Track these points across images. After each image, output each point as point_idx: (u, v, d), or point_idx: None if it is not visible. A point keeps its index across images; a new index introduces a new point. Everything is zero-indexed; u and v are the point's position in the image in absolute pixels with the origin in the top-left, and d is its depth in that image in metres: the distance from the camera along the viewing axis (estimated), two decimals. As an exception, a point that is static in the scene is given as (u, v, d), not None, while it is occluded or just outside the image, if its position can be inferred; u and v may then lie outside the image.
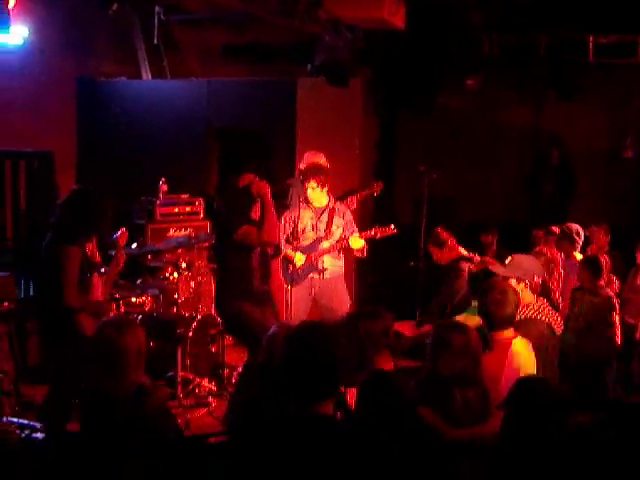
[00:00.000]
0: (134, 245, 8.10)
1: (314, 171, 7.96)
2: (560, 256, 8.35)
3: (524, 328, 5.53)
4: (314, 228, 7.95)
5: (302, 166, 8.54)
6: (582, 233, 8.53)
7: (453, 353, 4.61)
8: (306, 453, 3.21)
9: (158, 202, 9.37)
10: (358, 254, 8.22)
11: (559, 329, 6.13)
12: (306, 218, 7.93)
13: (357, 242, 7.90)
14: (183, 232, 9.07)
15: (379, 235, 8.00)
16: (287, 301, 8.01)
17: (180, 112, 10.45)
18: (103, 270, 6.36)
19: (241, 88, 10.44)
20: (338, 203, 8.15)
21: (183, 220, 9.39)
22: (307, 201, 7.96)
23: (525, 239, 9.80)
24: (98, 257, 7.34)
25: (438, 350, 4.67)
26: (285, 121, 10.13)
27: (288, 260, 7.96)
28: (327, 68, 9.44)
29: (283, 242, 7.94)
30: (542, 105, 11.48)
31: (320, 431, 3.27)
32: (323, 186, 7.90)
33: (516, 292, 5.53)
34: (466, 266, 7.90)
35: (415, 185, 9.77)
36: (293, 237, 7.95)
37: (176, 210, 9.46)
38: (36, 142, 9.55)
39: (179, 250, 8.04)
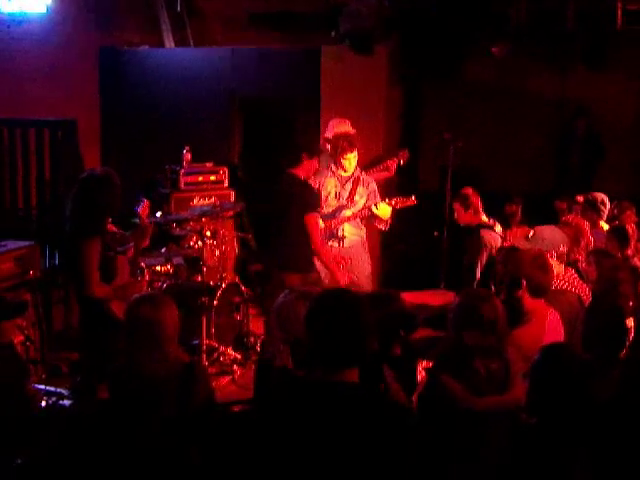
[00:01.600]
0: (158, 214, 8.10)
1: (350, 142, 7.88)
2: (586, 226, 8.26)
3: (555, 299, 5.49)
4: (337, 196, 7.90)
5: (330, 135, 8.49)
6: (607, 202, 8.44)
7: (481, 324, 4.52)
8: (330, 419, 3.19)
9: (182, 171, 9.35)
10: (381, 225, 8.14)
11: (587, 300, 6.09)
12: (330, 186, 7.89)
13: (384, 210, 7.83)
14: (207, 201, 9.03)
15: (399, 206, 7.95)
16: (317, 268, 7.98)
17: (204, 81, 10.41)
18: (125, 249, 6.29)
19: (265, 56, 10.38)
20: (363, 173, 8.09)
21: (207, 189, 9.35)
22: (333, 169, 7.91)
23: (550, 210, 9.73)
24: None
25: (465, 320, 4.58)
26: (309, 89, 10.09)
27: None
28: (352, 35, 9.37)
29: None
30: (569, 74, 11.32)
31: (345, 397, 3.25)
32: (355, 155, 7.86)
33: (549, 260, 5.49)
34: (487, 234, 7.83)
35: (440, 153, 9.70)
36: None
37: (200, 179, 9.43)
38: (60, 111, 9.53)
39: (203, 219, 8.01)
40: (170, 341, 4.22)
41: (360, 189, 7.93)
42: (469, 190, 8.11)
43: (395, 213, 8.09)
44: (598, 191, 8.75)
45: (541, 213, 9.44)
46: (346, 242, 7.92)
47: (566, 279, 6.02)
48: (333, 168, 7.90)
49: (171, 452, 4.01)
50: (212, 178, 9.47)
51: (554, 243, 6.03)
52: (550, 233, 6.22)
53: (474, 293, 4.85)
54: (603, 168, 11.51)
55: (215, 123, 10.36)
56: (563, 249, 6.09)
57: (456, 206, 8.15)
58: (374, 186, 8.13)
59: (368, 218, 8.02)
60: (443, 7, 9.78)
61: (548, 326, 5.11)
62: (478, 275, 7.68)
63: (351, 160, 7.82)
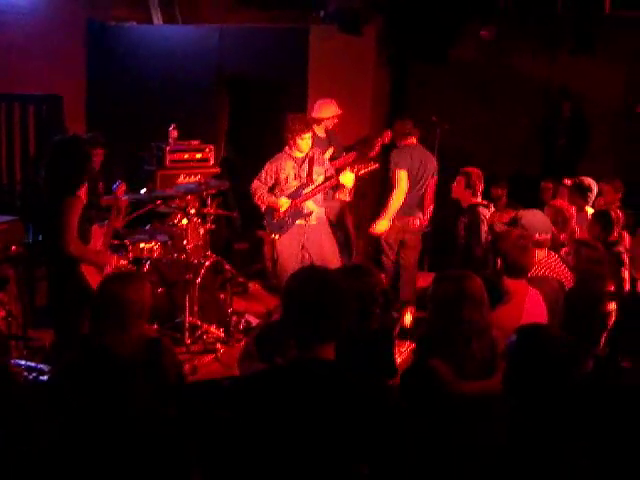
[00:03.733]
0: (143, 191, 8.08)
1: (306, 123, 8.02)
2: (572, 210, 8.28)
3: (537, 285, 5.49)
4: (296, 176, 7.97)
5: (315, 115, 8.55)
6: (594, 187, 8.44)
7: (473, 302, 4.49)
8: (307, 397, 3.22)
9: (168, 148, 9.34)
10: (345, 196, 8.25)
11: (569, 284, 6.09)
12: (288, 168, 7.96)
13: (347, 177, 7.87)
14: (193, 178, 9.02)
15: (362, 171, 7.98)
16: (275, 252, 8.07)
17: (191, 58, 10.37)
18: (104, 222, 6.35)
19: (253, 35, 10.35)
20: (316, 150, 8.15)
21: (193, 167, 9.34)
22: (288, 152, 7.97)
23: (537, 192, 9.76)
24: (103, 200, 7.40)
25: (457, 301, 4.50)
26: (297, 69, 10.07)
27: (272, 208, 7.99)
28: (339, 15, 9.35)
29: (263, 192, 7.95)
30: (557, 57, 11.32)
31: (320, 374, 3.27)
32: (310, 136, 7.98)
33: (531, 243, 5.49)
34: (484, 211, 7.92)
35: (427, 136, 9.70)
36: (277, 187, 8.01)
37: (186, 157, 9.43)
38: (46, 86, 9.50)
39: (188, 196, 7.99)
40: (136, 319, 4.22)
41: (316, 168, 8.03)
42: (476, 171, 8.14)
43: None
44: (584, 173, 8.77)
45: (528, 195, 9.47)
46: (312, 219, 8.01)
47: (547, 265, 6.01)
48: (288, 150, 7.96)
49: (146, 429, 4.01)
50: (198, 156, 9.46)
51: (534, 228, 6.01)
52: (531, 219, 6.19)
53: (457, 273, 4.81)
54: (589, 150, 11.54)
55: (202, 101, 10.32)
56: (544, 235, 6.07)
57: (459, 179, 8.17)
58: (328, 163, 8.30)
59: (332, 189, 8.10)
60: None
61: (528, 307, 5.11)
62: (479, 252, 7.73)
63: (307, 140, 7.90)
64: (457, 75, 11.43)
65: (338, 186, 7.98)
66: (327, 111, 8.94)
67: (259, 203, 8.06)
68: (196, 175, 9.07)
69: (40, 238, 8.19)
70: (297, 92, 10.00)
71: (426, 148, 8.73)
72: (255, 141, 10.06)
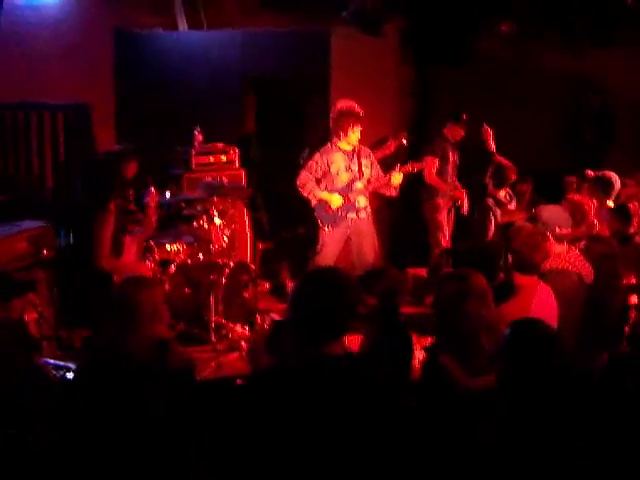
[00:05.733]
0: (167, 194, 8.25)
1: (357, 116, 8.09)
2: (592, 204, 8.28)
3: (554, 279, 5.56)
4: (347, 169, 8.09)
5: (340, 108, 8.61)
6: (617, 181, 8.41)
7: (478, 297, 4.56)
8: (316, 392, 3.33)
9: (194, 152, 9.50)
10: (393, 193, 8.42)
11: (589, 279, 6.13)
12: (339, 161, 8.07)
13: (397, 177, 8.09)
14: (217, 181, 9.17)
15: (416, 169, 8.27)
16: (321, 242, 8.26)
17: (216, 63, 10.53)
18: (135, 230, 6.56)
19: (276, 38, 10.49)
20: (361, 145, 8.31)
21: (218, 169, 9.49)
22: (337, 144, 8.07)
23: (563, 188, 9.77)
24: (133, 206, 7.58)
25: (462, 297, 4.55)
26: (320, 71, 10.21)
27: (324, 203, 8.15)
28: (360, 16, 9.46)
29: (313, 186, 8.07)
30: (581, 51, 11.31)
31: (329, 370, 3.39)
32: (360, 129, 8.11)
33: (545, 239, 5.57)
34: (491, 203, 8.04)
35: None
36: (326, 179, 8.16)
37: (211, 159, 9.57)
38: (75, 94, 9.70)
39: (214, 198, 8.15)
40: (148, 321, 4.37)
41: (364, 160, 8.22)
42: (508, 165, 8.34)
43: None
44: (612, 168, 8.75)
45: (554, 191, 9.49)
46: (362, 213, 8.22)
47: (567, 259, 6.03)
48: (337, 143, 8.07)
49: (151, 428, 4.15)
50: (223, 158, 9.59)
51: (552, 223, 6.07)
52: (548, 214, 6.25)
53: (462, 271, 4.89)
54: (617, 144, 11.52)
55: (227, 105, 10.46)
56: (563, 230, 6.12)
57: (493, 177, 8.37)
58: (373, 156, 8.46)
59: (380, 187, 8.31)
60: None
61: (536, 302, 5.16)
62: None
63: (357, 133, 8.05)
64: (481, 72, 11.46)
65: (387, 184, 8.15)
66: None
67: (309, 197, 8.18)
68: (221, 177, 9.21)
69: (72, 242, 8.48)
70: (321, 93, 10.13)
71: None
72: (281, 142, 10.21)
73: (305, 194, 8.17)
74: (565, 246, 6.13)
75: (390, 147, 9.19)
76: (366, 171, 8.18)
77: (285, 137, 9.93)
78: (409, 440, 3.51)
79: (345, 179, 8.13)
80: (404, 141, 9.08)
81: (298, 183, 8.17)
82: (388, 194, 8.55)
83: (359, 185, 8.15)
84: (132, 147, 8.35)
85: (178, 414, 4.22)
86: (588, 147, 11.74)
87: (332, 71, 10.15)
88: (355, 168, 8.15)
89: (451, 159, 9.22)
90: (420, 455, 3.87)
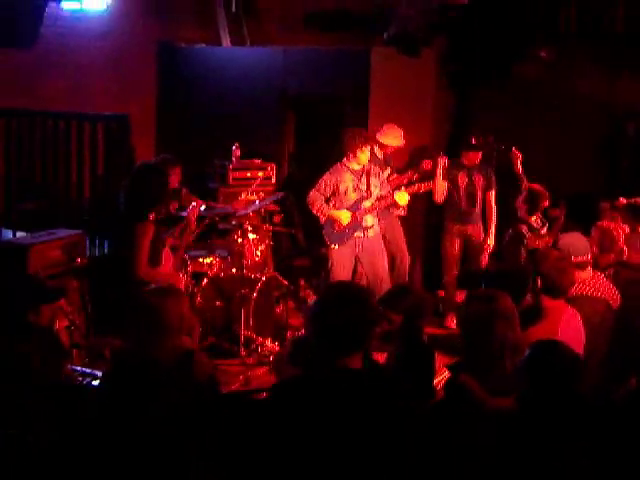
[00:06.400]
0: (203, 207, 8.34)
1: (366, 137, 8.29)
2: (623, 230, 8.25)
3: (579, 304, 5.55)
4: (355, 189, 8.20)
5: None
6: (651, 209, 8.39)
7: (505, 319, 4.56)
8: (334, 406, 3.38)
9: (231, 166, 9.61)
10: (401, 212, 8.77)
11: (616, 304, 6.11)
12: (348, 180, 8.19)
13: (403, 197, 8.17)
14: (254, 196, 9.26)
15: (422, 189, 8.32)
16: (330, 261, 8.35)
17: (257, 79, 10.64)
18: (173, 243, 6.65)
19: (317, 56, 10.57)
20: (372, 165, 8.40)
21: (255, 185, 9.59)
22: (346, 164, 8.20)
23: (597, 213, 9.73)
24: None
25: (490, 318, 4.55)
26: (359, 89, 10.25)
27: (333, 220, 8.22)
28: (399, 38, 9.52)
29: (322, 204, 8.19)
30: (619, 78, 11.28)
31: (347, 384, 3.44)
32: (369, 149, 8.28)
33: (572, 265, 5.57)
34: (525, 230, 8.04)
35: (488, 157, 9.79)
36: (335, 198, 8.26)
37: (248, 175, 9.69)
38: (117, 105, 9.85)
39: (249, 213, 8.25)
40: (173, 331, 4.42)
41: (373, 180, 8.30)
42: (541, 191, 8.33)
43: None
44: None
45: (587, 216, 9.45)
46: (370, 232, 8.30)
47: (593, 285, 6.02)
48: (347, 163, 8.18)
49: (172, 437, 4.20)
50: (260, 174, 9.69)
51: (570, 250, 6.06)
52: (569, 241, 6.24)
53: (489, 292, 4.91)
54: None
55: (267, 121, 10.57)
56: (581, 257, 6.10)
57: (523, 204, 8.38)
58: (384, 176, 8.57)
59: (388, 206, 8.42)
60: (491, 11, 9.85)
61: (563, 326, 5.15)
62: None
63: (366, 153, 8.18)
64: (519, 96, 11.46)
65: (393, 204, 8.24)
66: (392, 140, 9.15)
67: (318, 214, 8.29)
68: (258, 193, 9.32)
69: (108, 251, 8.60)
70: (359, 112, 10.18)
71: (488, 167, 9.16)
72: (318, 159, 10.26)
73: (314, 211, 8.31)
74: (590, 272, 6.12)
75: (421, 170, 9.18)
76: (375, 191, 8.26)
77: (323, 155, 9.96)
78: (426, 456, 3.53)
79: (353, 198, 8.23)
80: (444, 162, 8.90)
81: (308, 201, 8.31)
82: (397, 213, 8.79)
83: (367, 204, 8.23)
84: (172, 158, 8.43)
85: (199, 425, 4.27)
86: (623, 173, 11.68)
87: (371, 90, 10.19)
88: (363, 187, 8.24)
89: (462, 185, 9.11)
90: (437, 471, 3.89)
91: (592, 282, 6.05)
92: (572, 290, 5.69)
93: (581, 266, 5.98)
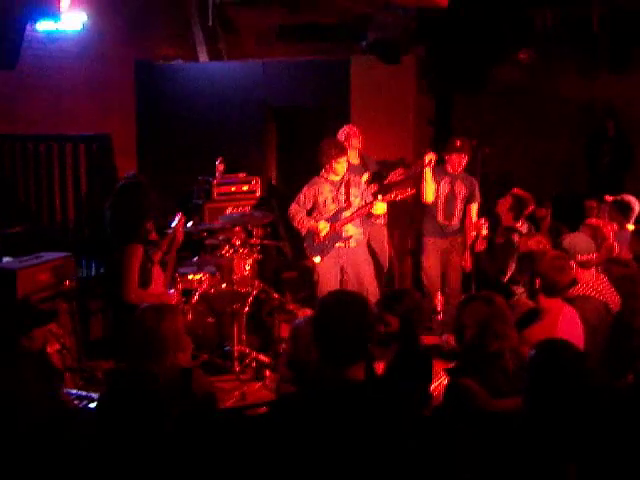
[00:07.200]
0: (190, 224, 8.30)
1: (341, 147, 8.20)
2: (612, 228, 8.27)
3: (580, 304, 5.55)
4: (334, 200, 8.17)
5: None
6: (637, 205, 8.40)
7: (503, 319, 4.59)
8: (337, 416, 3.34)
9: (215, 182, 9.57)
10: (380, 221, 8.70)
11: (615, 307, 6.09)
12: (326, 191, 8.15)
13: (380, 207, 8.11)
14: (240, 210, 9.24)
15: (400, 197, 8.20)
16: (316, 275, 8.30)
17: (236, 93, 10.66)
18: (161, 257, 6.59)
19: (296, 68, 10.60)
20: (351, 175, 8.32)
21: (240, 199, 9.56)
22: (324, 176, 8.18)
23: (582, 212, 9.75)
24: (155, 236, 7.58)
25: (489, 318, 4.58)
26: (339, 99, 10.27)
27: (312, 232, 8.18)
28: (379, 46, 9.53)
29: (303, 217, 8.17)
30: (597, 77, 11.32)
31: (349, 394, 3.40)
32: (345, 160, 8.18)
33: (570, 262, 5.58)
34: (516, 237, 7.95)
35: (470, 161, 9.77)
36: (315, 210, 8.22)
37: (233, 189, 9.66)
38: (97, 125, 9.80)
39: (236, 228, 8.21)
40: (169, 350, 4.38)
41: (353, 190, 8.23)
42: (525, 197, 8.19)
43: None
44: (630, 192, 8.74)
45: (573, 215, 9.47)
46: (352, 242, 8.23)
47: (594, 286, 6.02)
48: (325, 175, 8.15)
49: (172, 454, 4.15)
50: (244, 188, 9.67)
51: (573, 251, 6.05)
52: (573, 240, 6.24)
53: (486, 295, 4.90)
54: (634, 168, 11.51)
55: (249, 134, 10.58)
56: (586, 256, 6.09)
57: (507, 198, 8.21)
58: (364, 185, 8.50)
59: (367, 216, 8.28)
60: (468, 16, 9.86)
61: (562, 324, 5.17)
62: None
63: (343, 164, 8.11)
64: (499, 98, 11.50)
65: (371, 214, 8.21)
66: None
67: (299, 227, 8.25)
68: (243, 207, 9.27)
69: (93, 272, 8.52)
70: (341, 121, 10.14)
71: (469, 172, 8.84)
72: (303, 170, 10.24)
73: (295, 224, 8.26)
74: (593, 273, 6.11)
75: (397, 175, 9.09)
76: (355, 200, 8.20)
77: (306, 166, 9.95)
78: (429, 463, 3.50)
79: (332, 209, 8.18)
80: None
81: (289, 214, 8.28)
82: (377, 222, 8.74)
83: (347, 214, 8.18)
84: (142, 176, 8.37)
85: (199, 443, 4.22)
86: (605, 171, 11.73)
87: (352, 99, 10.19)
88: (342, 198, 8.20)
89: (443, 194, 8.64)
90: (440, 476, 3.87)
91: (594, 283, 6.05)
92: (574, 290, 5.70)
93: (585, 265, 6.00)
